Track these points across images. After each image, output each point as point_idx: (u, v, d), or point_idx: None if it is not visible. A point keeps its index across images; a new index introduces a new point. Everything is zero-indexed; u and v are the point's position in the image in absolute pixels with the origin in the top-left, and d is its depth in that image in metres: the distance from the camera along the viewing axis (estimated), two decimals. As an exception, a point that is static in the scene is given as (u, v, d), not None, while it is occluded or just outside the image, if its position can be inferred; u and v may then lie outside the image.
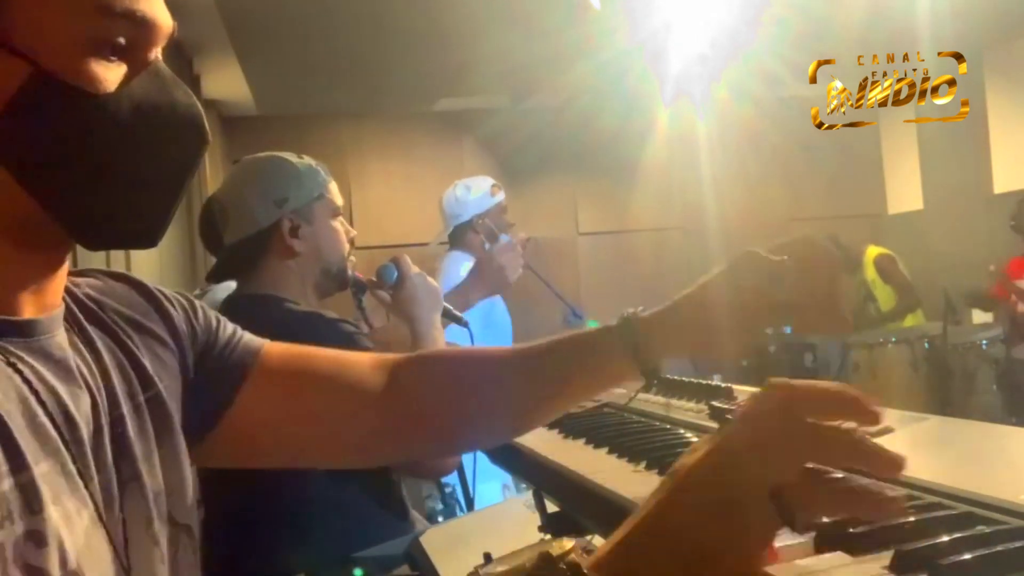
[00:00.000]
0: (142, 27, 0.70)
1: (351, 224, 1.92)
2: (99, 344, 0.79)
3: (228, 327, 0.94)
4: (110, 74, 0.69)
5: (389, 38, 4.87)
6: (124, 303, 0.86)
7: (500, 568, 0.57)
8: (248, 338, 0.95)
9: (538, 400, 0.96)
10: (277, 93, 5.95)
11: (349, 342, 1.65)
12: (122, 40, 0.69)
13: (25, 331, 0.71)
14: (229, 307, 1.80)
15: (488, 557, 0.77)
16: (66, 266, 0.77)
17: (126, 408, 0.77)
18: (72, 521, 0.67)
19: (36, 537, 0.63)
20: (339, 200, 1.81)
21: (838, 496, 0.53)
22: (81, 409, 0.72)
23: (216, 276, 1.87)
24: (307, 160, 1.78)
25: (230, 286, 1.90)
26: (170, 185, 0.75)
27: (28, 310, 0.72)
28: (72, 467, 0.68)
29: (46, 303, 0.74)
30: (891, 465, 0.54)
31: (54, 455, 0.67)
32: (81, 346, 0.77)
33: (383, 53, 5.11)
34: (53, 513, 0.65)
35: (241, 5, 4.19)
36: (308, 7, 4.40)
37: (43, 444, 0.67)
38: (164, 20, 0.72)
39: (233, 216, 1.73)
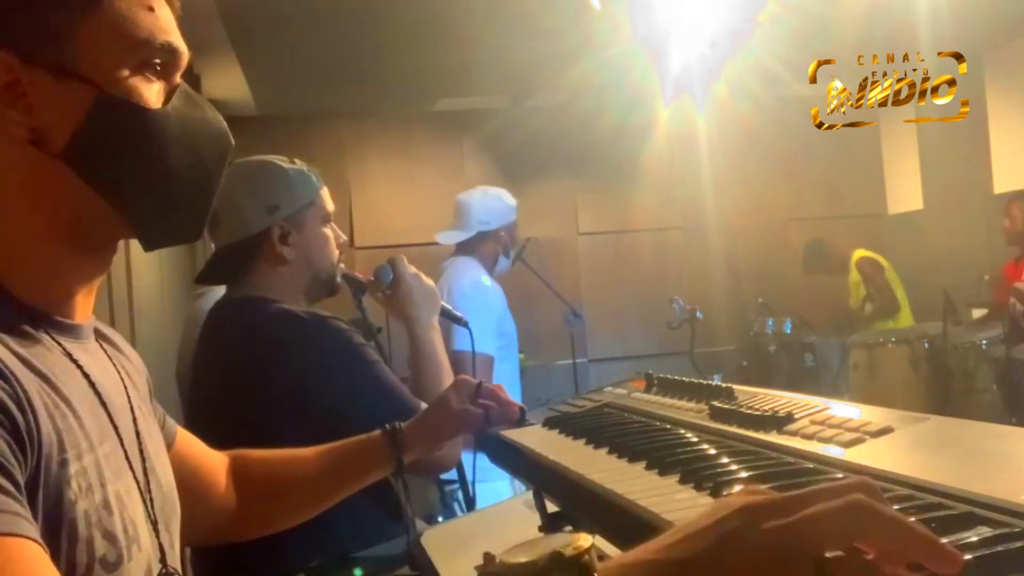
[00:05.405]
0: (172, 55, 0.86)
1: (351, 225, 1.92)
2: (112, 359, 0.92)
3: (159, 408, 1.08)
4: (153, 92, 0.84)
5: (389, 38, 4.87)
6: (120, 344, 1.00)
7: (515, 559, 0.57)
8: (170, 421, 1.12)
9: (330, 493, 1.31)
10: (277, 93, 5.94)
11: (339, 338, 1.64)
12: (159, 64, 0.84)
13: (76, 333, 0.84)
14: (219, 311, 1.79)
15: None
16: (98, 282, 0.89)
17: (138, 413, 0.90)
18: (127, 495, 0.80)
19: (108, 506, 0.77)
20: (330, 206, 1.79)
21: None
22: (118, 403, 0.86)
23: (206, 279, 1.86)
24: (299, 165, 1.77)
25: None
26: (209, 184, 0.91)
27: (77, 315, 0.85)
28: (121, 451, 0.83)
29: (87, 312, 0.88)
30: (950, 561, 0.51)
31: (110, 440, 0.81)
32: (103, 354, 0.90)
33: (383, 53, 5.10)
34: (116, 486, 0.79)
35: (241, 5, 4.18)
36: (308, 7, 4.40)
37: (102, 429, 0.80)
38: (184, 49, 0.88)
39: (225, 220, 1.72)
